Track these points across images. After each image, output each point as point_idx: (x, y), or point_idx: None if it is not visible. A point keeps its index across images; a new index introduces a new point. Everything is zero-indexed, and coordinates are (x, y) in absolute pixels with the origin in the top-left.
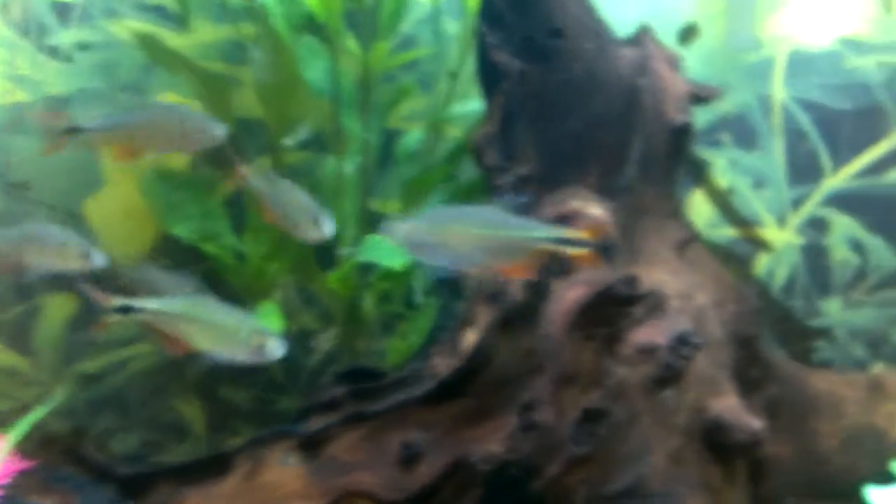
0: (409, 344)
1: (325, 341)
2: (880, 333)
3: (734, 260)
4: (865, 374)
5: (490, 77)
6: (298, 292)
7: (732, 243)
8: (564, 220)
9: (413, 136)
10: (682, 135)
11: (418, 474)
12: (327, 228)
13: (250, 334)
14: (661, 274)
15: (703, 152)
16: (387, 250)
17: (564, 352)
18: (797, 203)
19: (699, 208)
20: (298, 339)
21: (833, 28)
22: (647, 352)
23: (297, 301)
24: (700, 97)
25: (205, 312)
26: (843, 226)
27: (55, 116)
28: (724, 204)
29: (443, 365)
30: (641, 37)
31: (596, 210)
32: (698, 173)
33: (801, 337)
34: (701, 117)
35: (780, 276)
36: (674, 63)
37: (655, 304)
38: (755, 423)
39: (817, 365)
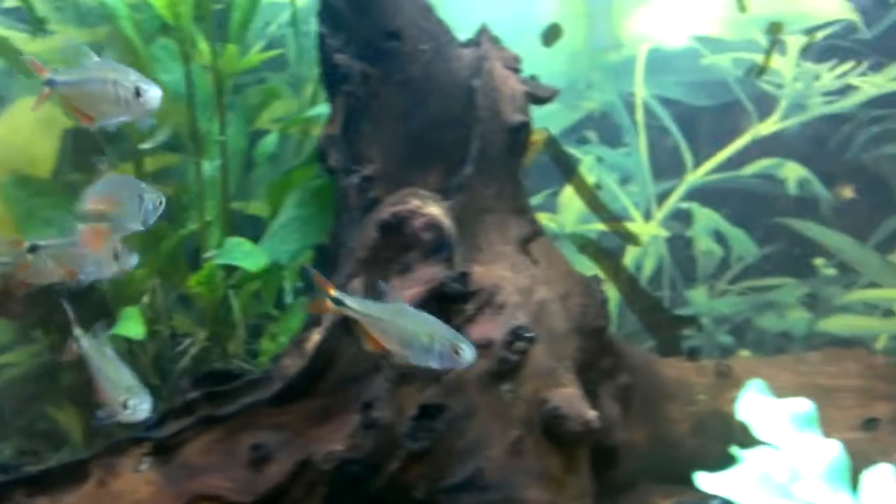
0: (279, 345)
1: (196, 344)
2: (744, 320)
3: (604, 253)
4: (715, 361)
5: (332, 79)
6: (174, 296)
7: (602, 237)
8: (401, 219)
9: (271, 138)
10: (519, 134)
11: (268, 475)
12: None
13: (445, 343)
14: (501, 270)
15: (571, 150)
16: (245, 252)
17: None
18: (662, 197)
19: (569, 204)
20: (170, 343)
21: (688, 27)
22: (484, 347)
23: (169, 305)
24: (537, 97)
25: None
26: (706, 218)
27: None
28: (593, 199)
29: (293, 366)
30: (480, 38)
31: (434, 209)
32: (567, 170)
33: (669, 326)
34: (567, 116)
35: (648, 268)
36: (511, 63)
37: (489, 300)
38: (590, 412)
39: (686, 352)
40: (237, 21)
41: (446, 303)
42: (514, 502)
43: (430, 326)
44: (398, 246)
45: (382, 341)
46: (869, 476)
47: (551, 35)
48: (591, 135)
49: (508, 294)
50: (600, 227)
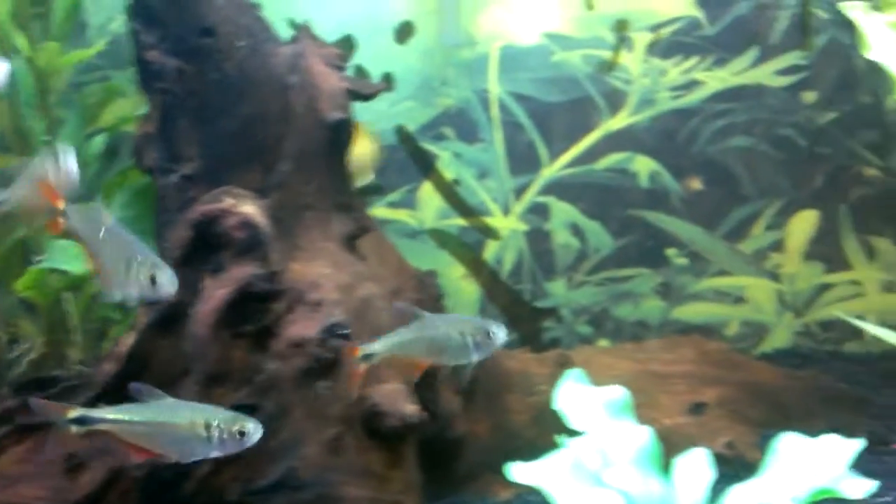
0: None
1: (34, 349)
2: (602, 310)
3: (464, 248)
4: (556, 351)
5: (147, 76)
6: (13, 300)
7: (462, 232)
8: (213, 218)
9: (100, 138)
10: (338, 131)
11: (82, 483)
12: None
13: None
14: (321, 267)
15: (428, 146)
16: (71, 255)
17: (211, 350)
18: (520, 192)
19: (428, 200)
20: (8, 348)
21: (539, 24)
22: (298, 345)
23: (7, 309)
24: (361, 94)
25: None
26: (563, 212)
27: None
28: (452, 195)
29: (111, 370)
30: (300, 35)
31: (248, 208)
32: (425, 166)
33: (530, 318)
34: (423, 112)
35: (508, 262)
36: (334, 60)
37: (303, 299)
38: (410, 408)
39: (547, 342)
40: (59, 17)
41: (255, 302)
42: (331, 500)
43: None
44: (211, 245)
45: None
46: (682, 461)
47: (404, 33)
48: (448, 131)
49: (327, 291)
50: (460, 222)
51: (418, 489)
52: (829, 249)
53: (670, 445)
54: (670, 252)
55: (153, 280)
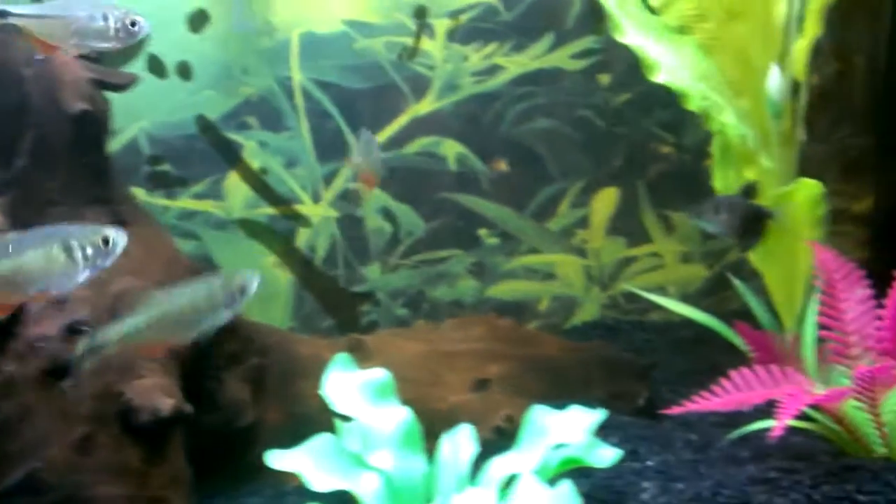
0: None
1: None
2: (418, 292)
3: (276, 237)
4: (348, 336)
5: None
6: None
7: (272, 221)
8: None
9: None
10: (83, 122)
11: None
12: None
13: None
14: None
15: (232, 135)
16: None
17: None
18: (329, 179)
19: (235, 190)
20: None
21: (339, 12)
22: (38, 345)
23: None
24: (112, 84)
25: None
26: (374, 197)
27: None
28: (259, 184)
29: None
30: None
31: None
32: (230, 156)
33: (347, 303)
34: (225, 102)
35: (322, 249)
36: None
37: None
38: (165, 402)
39: (365, 326)
40: None
41: None
42: (81, 501)
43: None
44: None
45: None
46: (446, 438)
47: (197, 21)
48: (252, 120)
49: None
50: (270, 211)
51: (186, 483)
52: (630, 224)
53: (455, 422)
54: (482, 233)
55: None
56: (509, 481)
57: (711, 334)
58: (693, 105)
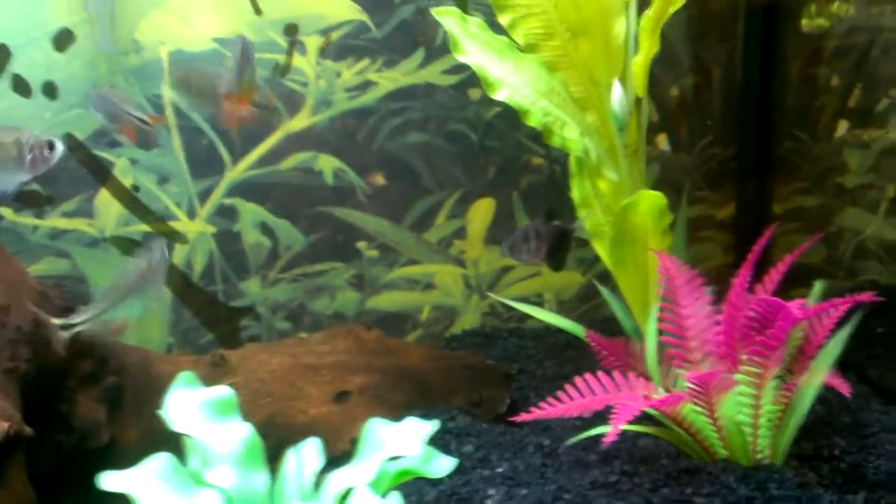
0: None
1: None
2: (299, 305)
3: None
4: (212, 353)
5: None
6: None
7: (147, 238)
8: None
9: None
10: None
11: None
12: None
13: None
14: None
15: (103, 153)
16: None
17: None
18: (204, 195)
19: (107, 208)
20: None
21: (208, 30)
22: None
23: None
24: None
25: None
26: (251, 212)
27: None
28: (132, 201)
29: None
30: None
31: None
32: (100, 174)
33: (228, 318)
34: (93, 121)
35: (199, 265)
36: None
37: None
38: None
39: (247, 340)
40: None
41: None
42: None
43: None
44: None
45: None
46: (291, 453)
47: (62, 40)
48: (122, 138)
49: None
50: (144, 228)
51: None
52: (506, 234)
53: (315, 434)
54: (361, 245)
55: None
56: (346, 494)
57: (583, 340)
58: (534, 121)
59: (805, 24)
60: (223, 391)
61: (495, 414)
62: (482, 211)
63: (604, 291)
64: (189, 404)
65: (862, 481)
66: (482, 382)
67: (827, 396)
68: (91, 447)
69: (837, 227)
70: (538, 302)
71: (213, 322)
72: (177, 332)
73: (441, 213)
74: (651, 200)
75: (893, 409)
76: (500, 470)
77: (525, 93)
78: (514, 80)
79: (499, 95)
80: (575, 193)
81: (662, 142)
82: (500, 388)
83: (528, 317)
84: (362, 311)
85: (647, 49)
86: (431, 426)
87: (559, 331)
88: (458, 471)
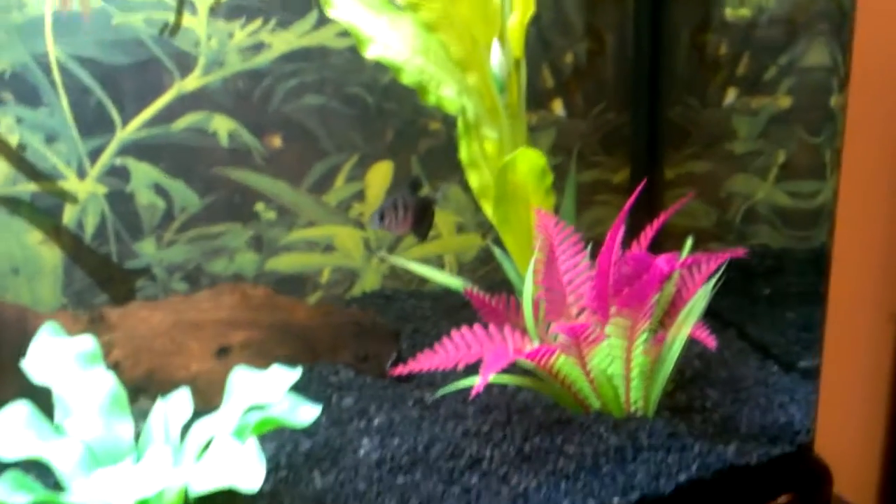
0: None
1: None
2: (196, 266)
3: (40, 214)
4: (91, 309)
5: None
6: None
7: (35, 197)
8: None
9: None
10: None
11: None
12: None
13: None
14: None
15: None
16: None
17: None
18: (94, 155)
19: None
20: None
21: None
22: None
23: None
24: None
25: None
26: (143, 173)
27: None
28: (19, 160)
29: None
30: None
31: None
32: None
33: (122, 279)
34: None
35: (90, 225)
36: None
37: None
38: None
39: (143, 300)
40: None
41: None
42: None
43: None
44: None
45: None
46: (160, 403)
47: None
48: (7, 95)
49: None
50: (32, 187)
51: None
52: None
53: (196, 390)
54: (259, 207)
55: None
56: (209, 443)
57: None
58: (408, 79)
59: None
60: (86, 342)
61: (381, 371)
62: (381, 174)
63: (498, 252)
64: (52, 356)
65: (734, 433)
66: (370, 339)
67: (705, 353)
68: None
69: (727, 193)
70: (439, 264)
71: (107, 283)
72: (70, 293)
73: (339, 176)
74: (530, 159)
75: (769, 365)
76: (376, 422)
77: (399, 49)
78: (387, 37)
79: (370, 52)
80: (463, 154)
81: (558, 107)
82: (387, 345)
83: (428, 279)
84: (262, 272)
85: (523, 10)
86: (296, 374)
87: (457, 293)
88: (335, 423)
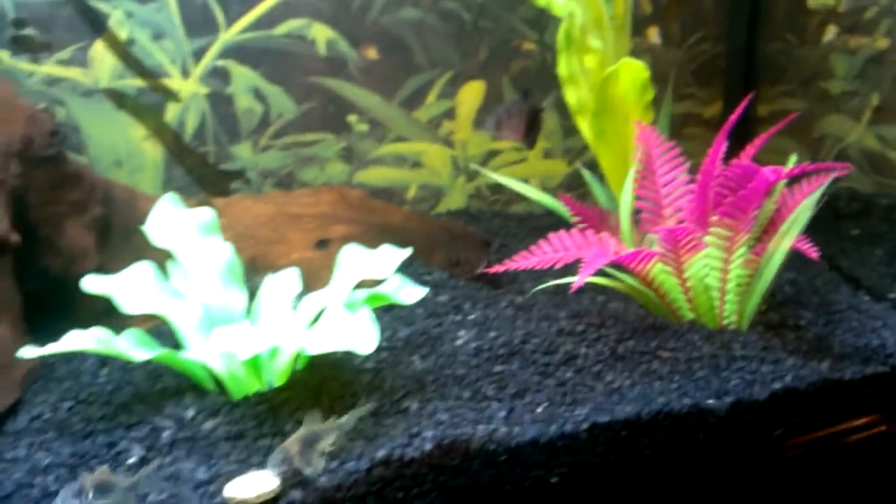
0: None
1: None
2: (288, 173)
3: (145, 109)
4: (197, 197)
5: None
6: None
7: (140, 93)
8: None
9: None
10: None
11: None
12: None
13: None
14: None
15: (97, 4)
16: None
17: None
18: (198, 55)
19: (102, 59)
20: None
21: None
22: None
23: None
24: None
25: None
26: (244, 76)
27: None
28: (127, 55)
29: None
30: None
31: None
32: (95, 25)
33: (218, 180)
34: None
35: (191, 125)
36: None
37: None
38: None
39: None
40: None
41: None
42: None
43: None
44: None
45: None
46: (270, 278)
47: None
48: None
49: None
50: (138, 83)
51: (14, 312)
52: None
53: None
54: (351, 118)
55: None
56: (319, 315)
57: (566, 225)
58: None
59: None
60: (206, 213)
61: (473, 275)
62: (472, 93)
63: (588, 175)
64: (172, 222)
65: (827, 351)
66: (462, 246)
67: (797, 280)
68: (76, 273)
69: (820, 133)
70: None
71: (203, 182)
72: (168, 189)
73: (432, 93)
74: (634, 71)
75: (860, 295)
76: (471, 317)
77: None
78: None
79: None
80: (562, 68)
81: (654, 35)
82: (478, 252)
83: (512, 201)
84: (350, 184)
85: None
86: (405, 253)
87: (542, 215)
88: (431, 315)
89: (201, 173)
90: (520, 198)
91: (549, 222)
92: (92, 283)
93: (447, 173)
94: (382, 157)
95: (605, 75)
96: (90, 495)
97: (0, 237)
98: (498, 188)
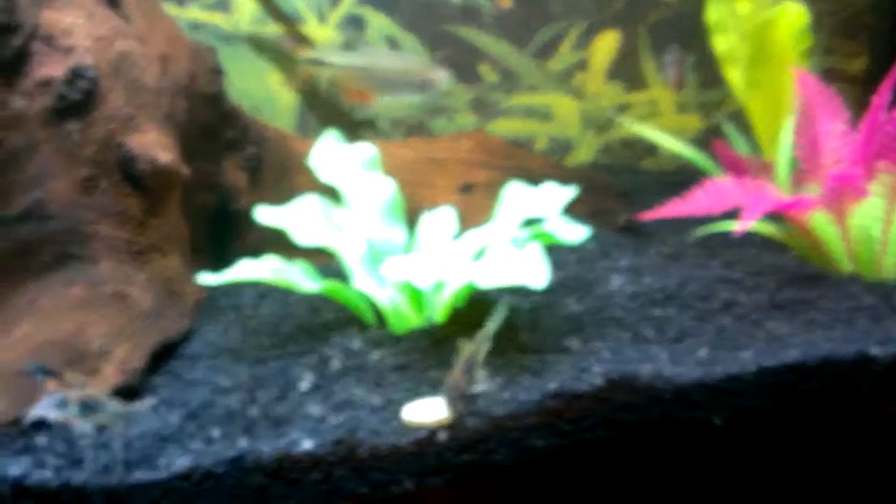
0: None
1: None
2: (418, 122)
3: (282, 55)
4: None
5: None
6: None
7: (279, 39)
8: None
9: None
10: None
11: None
12: None
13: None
14: (74, 17)
15: None
16: None
17: None
18: (335, 2)
19: (243, 5)
20: None
21: None
22: (45, 84)
23: None
24: None
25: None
26: (379, 23)
27: None
28: (266, 1)
29: None
30: None
31: None
32: None
33: (349, 128)
34: None
35: (325, 72)
36: None
37: (51, 42)
38: (164, 155)
39: None
40: None
41: None
42: (81, 234)
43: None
44: None
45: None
46: (427, 215)
47: None
48: None
49: (79, 39)
50: (275, 29)
51: (182, 241)
52: (629, 70)
53: None
54: (482, 68)
55: None
56: (482, 252)
57: (699, 181)
58: None
59: None
60: (369, 149)
61: (614, 225)
62: (606, 44)
63: (730, 129)
64: (335, 158)
65: None
66: (602, 196)
67: None
68: (232, 209)
69: None
70: (650, 145)
71: (337, 128)
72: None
73: (565, 43)
74: (793, 15)
75: None
76: (623, 263)
77: None
78: None
79: None
80: (711, 15)
81: None
82: (618, 203)
83: (643, 156)
84: None
85: None
86: (570, 191)
87: (673, 171)
88: (582, 261)
89: (333, 121)
90: (650, 153)
91: (680, 179)
92: (265, 215)
93: (577, 126)
94: (512, 109)
95: (763, 20)
96: (73, 407)
97: (172, 169)
98: (628, 144)
